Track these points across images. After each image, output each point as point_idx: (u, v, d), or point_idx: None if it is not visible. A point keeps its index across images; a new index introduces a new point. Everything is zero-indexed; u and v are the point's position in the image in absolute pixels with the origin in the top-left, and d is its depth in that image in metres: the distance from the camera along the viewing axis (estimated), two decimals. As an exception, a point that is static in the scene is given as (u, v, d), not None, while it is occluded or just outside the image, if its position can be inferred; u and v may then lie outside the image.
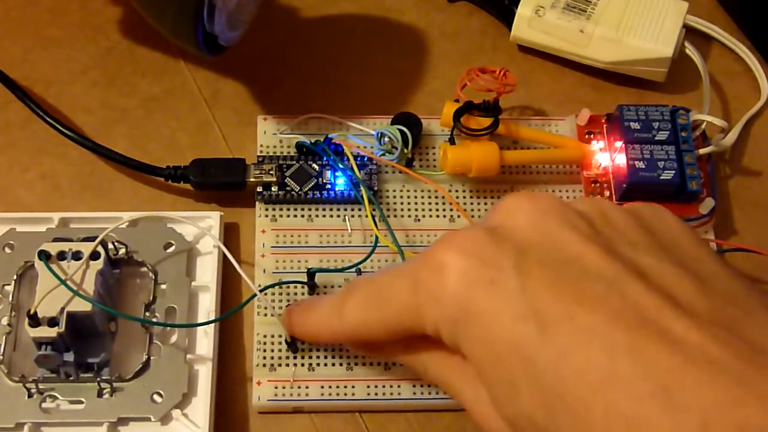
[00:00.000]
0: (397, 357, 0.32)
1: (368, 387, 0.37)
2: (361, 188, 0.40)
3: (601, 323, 0.22)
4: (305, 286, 0.39)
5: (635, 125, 0.41)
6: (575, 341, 0.23)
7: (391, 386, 0.37)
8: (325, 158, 0.41)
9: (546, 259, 0.24)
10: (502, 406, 0.25)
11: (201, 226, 0.38)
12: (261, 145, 0.42)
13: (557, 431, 0.23)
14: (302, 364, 0.37)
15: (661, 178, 0.40)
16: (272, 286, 0.38)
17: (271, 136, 0.42)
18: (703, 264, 0.25)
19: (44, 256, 0.35)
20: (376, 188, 0.41)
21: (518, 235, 0.25)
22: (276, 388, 0.37)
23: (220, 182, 0.41)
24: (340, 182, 0.41)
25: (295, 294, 0.39)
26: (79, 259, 0.35)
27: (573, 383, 0.22)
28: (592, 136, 0.43)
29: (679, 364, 0.21)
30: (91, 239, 0.36)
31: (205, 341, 0.37)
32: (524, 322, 0.23)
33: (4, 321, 0.37)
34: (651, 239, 0.26)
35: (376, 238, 0.39)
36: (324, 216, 0.40)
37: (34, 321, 0.34)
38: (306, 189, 0.40)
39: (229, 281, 0.40)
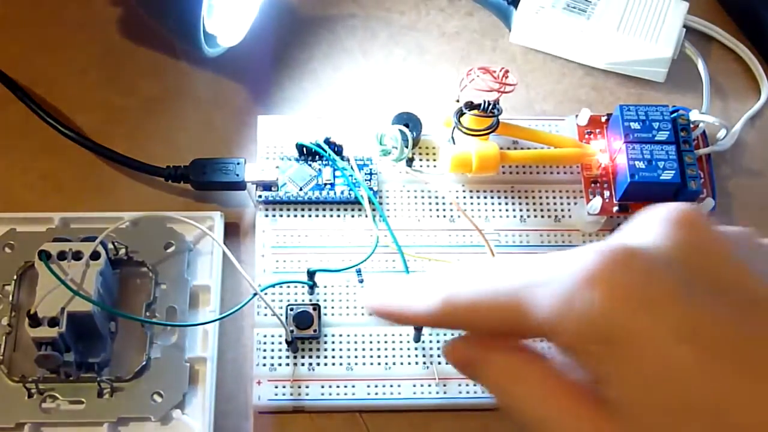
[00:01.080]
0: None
1: (368, 387, 0.37)
2: (361, 188, 0.40)
3: (760, 377, 0.21)
4: (305, 286, 0.39)
5: (635, 125, 0.41)
6: (757, 373, 0.21)
7: (391, 386, 0.37)
8: (325, 158, 0.41)
9: (710, 279, 0.23)
10: (644, 427, 0.22)
11: (201, 226, 0.38)
12: (261, 145, 0.42)
13: None
14: (302, 364, 0.37)
15: (661, 178, 0.40)
16: (272, 285, 0.38)
17: (271, 136, 0.42)
18: None
19: (44, 256, 0.35)
20: (376, 188, 0.41)
21: (674, 251, 0.23)
22: (276, 388, 0.37)
23: (220, 182, 0.41)
24: (340, 182, 0.41)
25: (295, 294, 0.39)
26: (80, 259, 0.35)
27: (727, 423, 0.21)
28: (592, 136, 0.43)
29: None
30: (92, 239, 0.36)
31: (205, 341, 0.37)
32: (691, 348, 0.21)
33: (4, 321, 0.37)
34: None
35: (377, 238, 0.39)
36: (324, 216, 0.40)
37: (34, 321, 0.34)
38: (306, 189, 0.40)
39: (229, 281, 0.40)
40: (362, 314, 0.38)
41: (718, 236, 0.24)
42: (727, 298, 0.22)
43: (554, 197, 0.42)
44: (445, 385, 0.37)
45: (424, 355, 0.38)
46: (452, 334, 0.38)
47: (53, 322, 0.34)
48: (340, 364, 0.37)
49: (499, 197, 0.41)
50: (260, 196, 0.40)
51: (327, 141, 0.41)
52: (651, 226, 0.24)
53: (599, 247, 0.23)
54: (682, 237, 0.23)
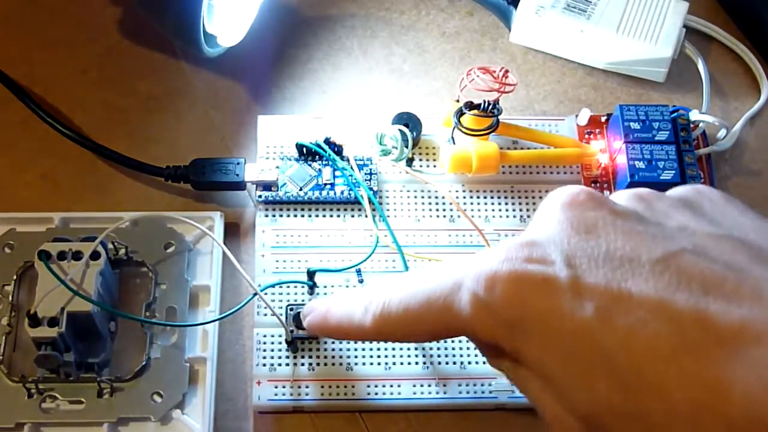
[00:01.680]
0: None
1: (368, 387, 0.37)
2: (361, 188, 0.40)
3: (661, 297, 0.23)
4: (305, 286, 0.39)
5: (635, 125, 0.41)
6: (640, 318, 0.23)
7: (391, 386, 0.37)
8: (325, 158, 0.41)
9: (594, 248, 0.25)
10: (576, 404, 0.25)
11: (201, 226, 0.38)
12: (261, 145, 0.42)
13: (637, 409, 0.23)
14: (302, 364, 0.37)
15: (661, 178, 0.40)
16: (272, 285, 0.38)
17: (271, 136, 0.42)
18: (754, 231, 0.26)
19: (44, 256, 0.35)
20: (376, 188, 0.41)
21: (563, 230, 0.26)
22: (276, 388, 0.37)
23: (220, 182, 0.41)
24: (340, 182, 0.41)
25: (295, 294, 0.39)
26: (79, 259, 0.35)
27: (646, 357, 0.23)
28: (592, 136, 0.43)
29: (750, 324, 0.22)
30: (91, 239, 0.36)
31: (205, 341, 0.37)
32: (585, 311, 0.24)
33: (4, 321, 0.37)
34: (698, 215, 0.26)
35: (377, 238, 0.39)
36: (324, 216, 0.40)
37: (34, 321, 0.34)
38: (306, 189, 0.40)
39: (229, 281, 0.40)
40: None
41: (602, 209, 0.26)
42: (612, 263, 0.24)
43: (554, 197, 0.42)
44: (445, 385, 0.37)
45: (424, 355, 0.38)
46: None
47: (53, 322, 0.34)
48: (340, 364, 0.37)
49: (499, 197, 0.41)
50: (260, 196, 0.40)
51: (327, 141, 0.41)
52: (544, 215, 0.27)
53: (499, 246, 0.27)
54: (568, 218, 0.26)
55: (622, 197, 0.28)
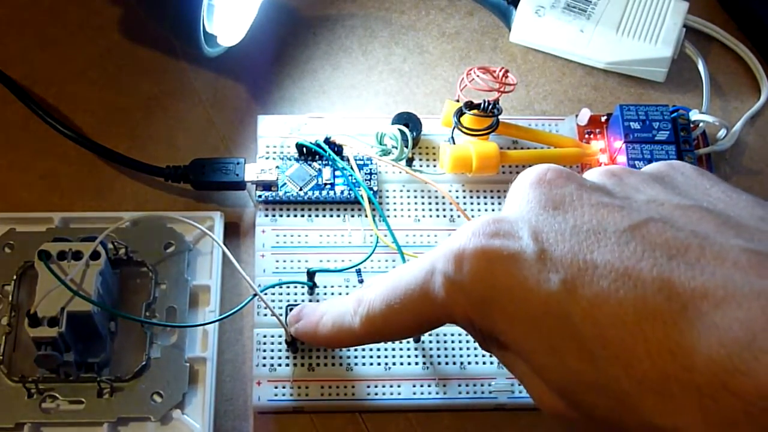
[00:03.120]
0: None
1: (368, 387, 0.37)
2: (361, 188, 0.40)
3: (626, 265, 0.23)
4: (305, 286, 0.39)
5: (635, 125, 0.41)
6: (604, 288, 0.23)
7: (391, 386, 0.37)
8: (325, 158, 0.41)
9: (561, 223, 0.25)
10: (549, 377, 0.25)
11: (201, 226, 0.38)
12: (261, 145, 0.42)
13: (607, 380, 0.23)
14: (302, 364, 0.37)
15: (661, 178, 0.40)
16: (272, 286, 0.38)
17: (271, 136, 0.42)
18: (723, 202, 0.26)
19: (44, 256, 0.35)
20: (376, 188, 0.41)
21: (531, 209, 0.26)
22: (276, 388, 0.37)
23: (220, 182, 0.41)
24: (340, 182, 0.41)
25: (295, 294, 0.39)
26: (79, 259, 0.35)
27: (611, 328, 0.23)
28: (592, 136, 0.43)
29: (712, 289, 0.22)
30: (91, 239, 0.36)
31: (205, 341, 0.37)
32: (551, 283, 0.24)
33: (4, 321, 0.37)
34: (668, 188, 0.26)
35: (377, 238, 0.39)
36: (324, 216, 0.40)
37: (34, 321, 0.34)
38: (306, 189, 0.40)
39: (229, 281, 0.40)
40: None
41: (570, 185, 0.26)
42: (578, 235, 0.24)
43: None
44: (445, 385, 0.37)
45: (424, 355, 0.38)
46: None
47: (53, 322, 0.34)
48: (340, 364, 0.37)
49: (499, 197, 0.41)
50: (260, 196, 0.40)
51: (327, 141, 0.41)
52: (513, 194, 0.27)
53: (466, 225, 0.27)
54: (536, 195, 0.26)
55: (594, 174, 0.28)
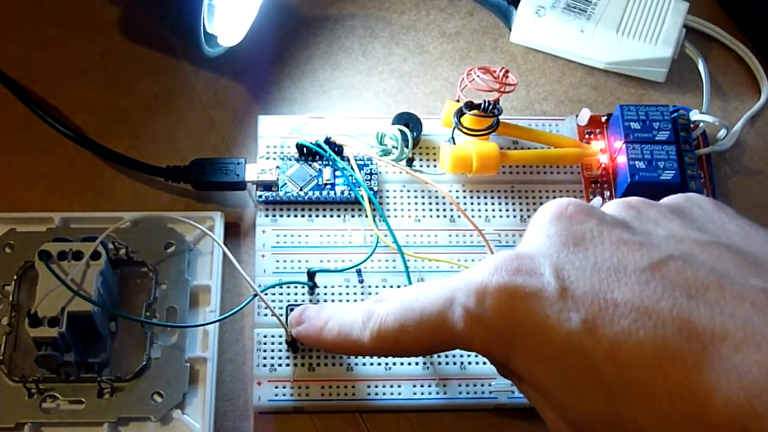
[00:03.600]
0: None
1: (368, 387, 0.37)
2: (361, 188, 0.40)
3: (647, 304, 0.23)
4: (305, 286, 0.39)
5: (635, 125, 0.41)
6: (625, 327, 0.23)
7: (391, 386, 0.37)
8: (325, 158, 0.41)
9: (582, 260, 0.25)
10: (566, 413, 0.25)
11: (201, 226, 0.38)
12: (261, 145, 0.42)
13: (626, 419, 0.23)
14: (302, 364, 0.37)
15: (661, 178, 0.40)
16: (272, 286, 0.38)
17: (271, 136, 0.42)
18: (740, 237, 0.26)
19: (45, 256, 0.35)
20: (376, 188, 0.41)
21: (552, 244, 0.26)
22: (276, 388, 0.37)
23: (220, 182, 0.41)
24: (340, 182, 0.41)
25: (296, 294, 0.39)
26: (80, 259, 0.35)
27: (631, 366, 0.23)
28: (592, 136, 0.43)
29: (732, 330, 0.22)
30: (92, 239, 0.36)
31: (205, 341, 0.37)
32: (572, 321, 0.24)
33: (4, 321, 0.37)
34: (686, 222, 0.26)
35: (377, 238, 0.39)
36: (324, 216, 0.40)
37: (35, 321, 0.34)
38: (306, 189, 0.40)
39: (229, 281, 0.40)
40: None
41: (591, 220, 0.26)
42: (600, 273, 0.24)
43: (554, 197, 0.42)
44: (445, 385, 0.37)
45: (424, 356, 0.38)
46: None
47: (53, 322, 0.34)
48: (340, 364, 0.37)
49: (499, 197, 0.41)
50: (260, 196, 0.40)
51: (327, 141, 0.41)
52: (535, 229, 0.27)
53: (489, 259, 0.27)
54: (557, 230, 0.26)
55: (612, 207, 0.28)
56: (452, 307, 0.28)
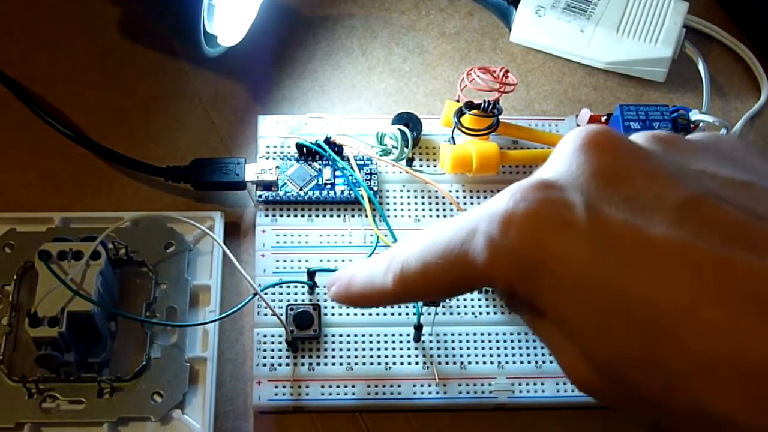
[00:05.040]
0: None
1: (368, 387, 0.37)
2: (361, 188, 0.40)
3: (682, 244, 0.22)
4: (305, 286, 0.39)
5: (635, 125, 0.41)
6: (660, 265, 0.22)
7: (391, 386, 0.37)
8: (325, 158, 0.41)
9: (614, 194, 0.24)
10: (593, 352, 0.24)
11: (201, 226, 0.38)
12: (261, 145, 0.42)
13: (657, 359, 0.22)
14: (302, 364, 0.37)
15: (661, 178, 0.40)
16: (272, 285, 0.38)
17: (271, 136, 0.42)
18: None
19: (44, 256, 0.35)
20: (376, 188, 0.41)
21: (582, 174, 0.25)
22: (276, 387, 0.37)
23: (220, 182, 0.41)
24: (340, 182, 0.41)
25: (295, 294, 0.39)
26: (80, 259, 0.35)
27: (666, 307, 0.22)
28: (592, 136, 0.43)
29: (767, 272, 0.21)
30: (92, 239, 0.36)
31: (205, 341, 0.37)
32: (605, 256, 0.23)
33: (4, 321, 0.37)
34: (720, 159, 0.25)
35: (377, 238, 0.39)
36: (324, 216, 0.40)
37: (35, 321, 0.34)
38: (306, 189, 0.40)
39: (229, 281, 0.40)
40: (362, 314, 0.38)
41: (622, 151, 0.25)
42: (633, 207, 0.23)
43: (554, 197, 0.42)
44: (445, 385, 0.37)
45: (424, 355, 0.38)
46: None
47: (53, 322, 0.34)
48: (340, 364, 0.37)
49: (499, 197, 0.41)
50: (260, 196, 0.40)
51: (327, 141, 0.41)
52: (562, 156, 0.25)
53: (513, 187, 0.25)
54: (587, 160, 0.25)
55: (643, 138, 0.26)
56: (475, 238, 0.26)
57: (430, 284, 0.28)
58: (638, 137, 0.26)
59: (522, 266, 0.25)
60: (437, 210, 0.41)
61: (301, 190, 0.40)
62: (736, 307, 0.21)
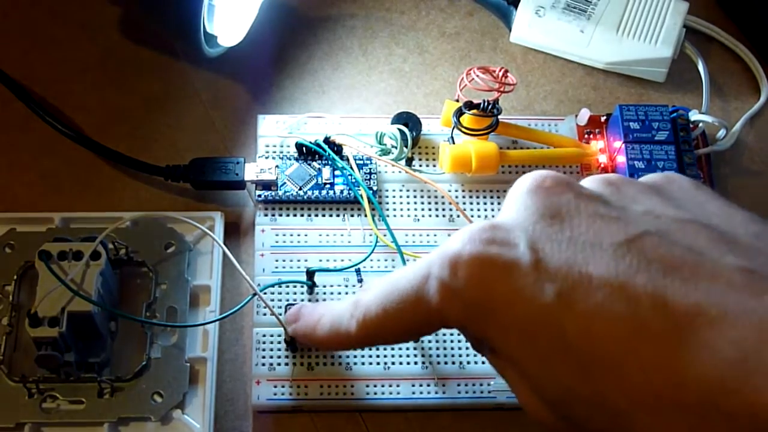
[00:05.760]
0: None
1: (367, 386, 0.37)
2: (361, 188, 0.40)
3: (621, 279, 0.23)
4: (305, 285, 0.39)
5: (634, 125, 0.41)
6: (599, 301, 0.23)
7: (390, 386, 0.37)
8: (324, 158, 0.41)
9: (557, 233, 0.25)
10: (540, 389, 0.25)
11: (201, 226, 0.38)
12: (260, 145, 0.42)
13: (599, 394, 0.23)
14: (302, 364, 0.37)
15: (661, 178, 0.40)
16: (272, 285, 0.38)
17: (271, 136, 0.42)
18: (718, 217, 0.25)
19: (45, 256, 0.35)
20: (375, 188, 0.41)
21: (528, 216, 0.26)
22: (276, 387, 0.37)
23: (219, 182, 0.41)
24: (340, 182, 0.41)
25: (295, 294, 0.39)
26: (80, 259, 0.35)
27: (604, 343, 0.22)
28: (591, 136, 0.43)
29: (706, 308, 0.21)
30: (92, 239, 0.36)
31: (205, 341, 0.37)
32: (547, 295, 0.24)
33: (4, 321, 0.37)
34: (665, 200, 0.26)
35: (376, 238, 0.39)
36: (324, 216, 0.40)
37: (35, 321, 0.34)
38: (305, 189, 0.40)
39: (229, 281, 0.40)
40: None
41: (569, 194, 0.26)
42: (575, 246, 0.24)
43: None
44: (444, 385, 0.37)
45: (423, 355, 0.38)
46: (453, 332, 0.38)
47: (53, 322, 0.34)
48: (340, 363, 0.37)
49: (499, 197, 0.41)
50: (260, 196, 0.40)
51: (327, 141, 0.41)
52: (512, 200, 0.27)
53: (464, 230, 0.26)
54: (534, 202, 0.26)
55: (592, 182, 0.27)
56: (428, 282, 0.27)
57: (391, 328, 0.30)
58: (588, 181, 0.27)
59: (470, 308, 0.26)
60: (436, 210, 0.41)
61: (300, 189, 0.40)
62: (673, 341, 0.21)
